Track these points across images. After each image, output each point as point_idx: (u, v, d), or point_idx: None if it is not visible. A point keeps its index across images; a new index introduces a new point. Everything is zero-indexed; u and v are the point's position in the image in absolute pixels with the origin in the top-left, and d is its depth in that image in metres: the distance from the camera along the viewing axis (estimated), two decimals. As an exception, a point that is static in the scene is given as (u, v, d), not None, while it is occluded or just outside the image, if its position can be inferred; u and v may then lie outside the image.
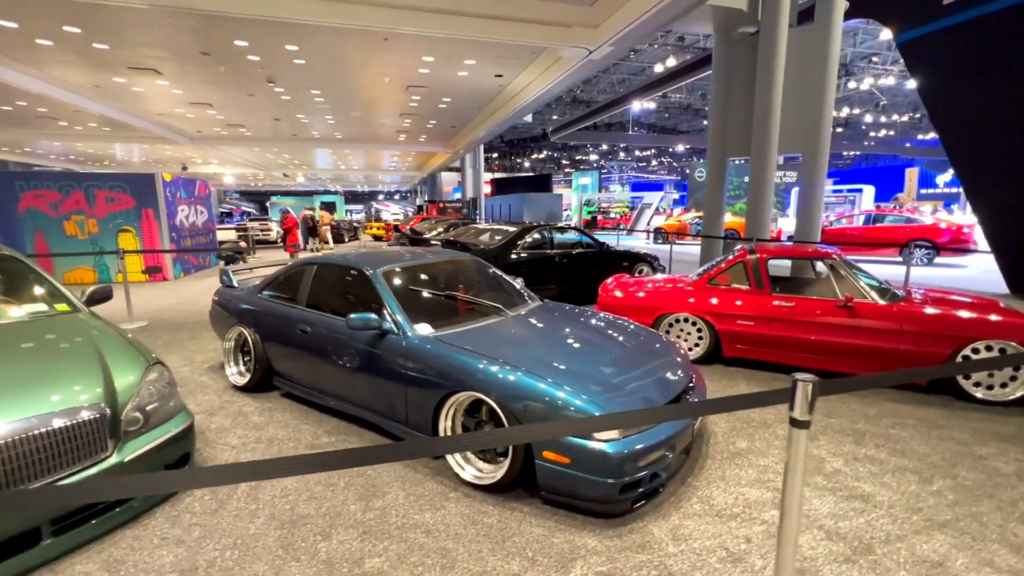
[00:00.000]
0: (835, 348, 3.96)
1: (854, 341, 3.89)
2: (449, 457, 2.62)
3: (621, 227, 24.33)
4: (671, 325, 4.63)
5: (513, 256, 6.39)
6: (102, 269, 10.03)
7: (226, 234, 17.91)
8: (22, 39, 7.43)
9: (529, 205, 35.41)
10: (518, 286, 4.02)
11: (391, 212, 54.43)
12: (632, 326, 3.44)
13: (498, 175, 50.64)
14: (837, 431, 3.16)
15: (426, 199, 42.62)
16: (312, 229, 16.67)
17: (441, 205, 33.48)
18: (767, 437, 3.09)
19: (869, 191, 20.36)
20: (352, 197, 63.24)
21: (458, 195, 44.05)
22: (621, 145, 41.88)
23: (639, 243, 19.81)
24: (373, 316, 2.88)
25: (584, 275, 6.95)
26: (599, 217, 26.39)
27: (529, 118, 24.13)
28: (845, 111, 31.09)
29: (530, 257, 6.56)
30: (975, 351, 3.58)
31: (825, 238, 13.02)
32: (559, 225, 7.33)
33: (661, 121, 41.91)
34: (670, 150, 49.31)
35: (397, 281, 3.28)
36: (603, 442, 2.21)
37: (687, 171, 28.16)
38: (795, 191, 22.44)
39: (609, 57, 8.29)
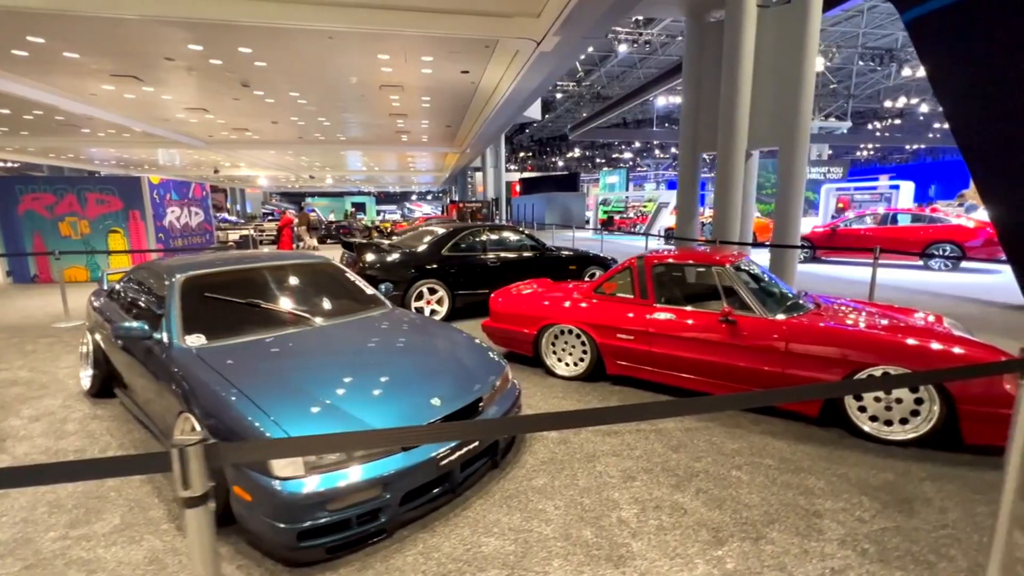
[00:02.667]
0: (716, 369, 3.44)
1: (736, 362, 3.36)
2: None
3: (639, 227, 23.44)
4: (556, 337, 4.22)
5: (436, 261, 6.11)
6: (93, 268, 10.56)
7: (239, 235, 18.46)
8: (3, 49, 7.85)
9: (550, 205, 34.99)
10: (370, 292, 3.77)
11: (422, 212, 55.24)
12: (452, 338, 3.11)
13: (527, 175, 50.39)
14: (666, 469, 2.70)
15: (456, 200, 42.98)
16: (316, 228, 17.03)
17: (461, 206, 33.61)
18: (575, 473, 2.67)
19: (907, 188, 18.49)
20: (386, 198, 64.77)
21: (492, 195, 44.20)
22: (655, 142, 40.56)
23: (653, 244, 18.94)
24: (136, 324, 2.71)
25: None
26: (616, 217, 25.55)
27: (538, 115, 23.63)
28: (902, 100, 28.69)
29: (459, 261, 6.25)
30: (871, 379, 2.99)
31: (836, 240, 11.91)
32: (498, 225, 6.97)
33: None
34: (707, 147, 47.32)
35: (201, 288, 3.09)
36: (279, 479, 1.91)
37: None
38: (824, 188, 20.78)
39: (569, 48, 7.83)
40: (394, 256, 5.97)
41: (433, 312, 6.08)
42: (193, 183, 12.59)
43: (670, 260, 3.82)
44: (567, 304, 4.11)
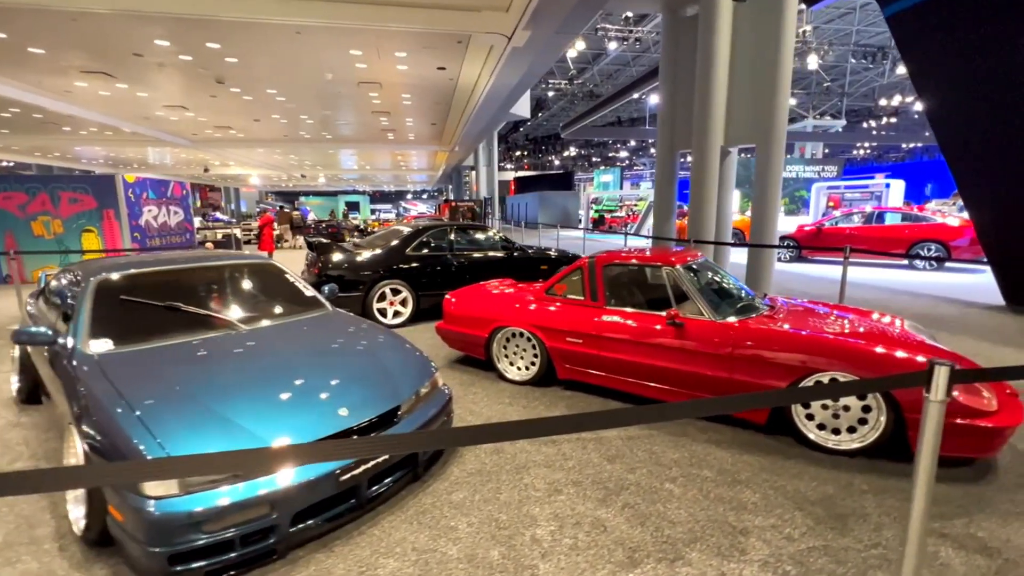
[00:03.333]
0: (664, 375, 3.30)
1: (683, 367, 3.22)
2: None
3: (630, 226, 23.31)
4: (508, 340, 4.08)
5: (399, 261, 5.96)
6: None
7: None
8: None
9: (544, 204, 34.83)
10: (310, 294, 3.63)
11: (416, 211, 54.96)
12: (381, 342, 2.97)
13: (522, 173, 50.24)
14: (596, 482, 2.56)
15: (449, 199, 42.82)
16: (300, 228, 16.87)
17: (453, 204, 33.45)
18: (500, 486, 2.53)
19: (898, 187, 18.37)
20: (381, 197, 64.55)
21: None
22: (651, 141, 40.43)
23: (637, 244, 18.83)
24: (39, 329, 2.57)
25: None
26: (607, 216, 25.38)
27: (527, 112, 23.45)
28: (897, 99, 28.57)
29: (423, 261, 6.11)
30: (804, 388, 2.85)
31: (822, 239, 11.77)
32: (467, 225, 6.82)
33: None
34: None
35: (119, 289, 2.94)
36: (150, 499, 1.77)
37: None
38: (815, 187, 20.65)
39: (543, 44, 7.69)
40: (355, 256, 5.83)
41: (397, 314, 5.94)
42: (172, 181, 12.43)
43: (621, 260, 3.68)
44: (518, 306, 3.97)
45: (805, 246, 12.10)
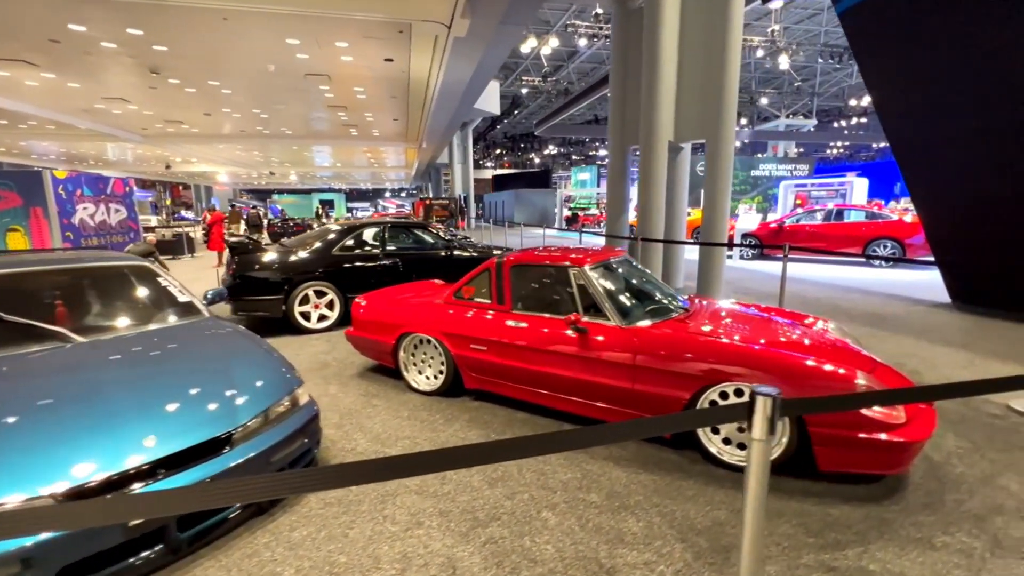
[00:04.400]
0: (568, 385, 3.03)
1: (586, 377, 2.96)
2: None
3: (602, 224, 23.22)
4: (416, 347, 3.77)
5: (325, 262, 5.60)
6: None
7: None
8: None
9: (519, 202, 34.55)
10: (184, 299, 3.27)
11: (396, 208, 54.09)
12: (236, 353, 2.64)
13: (501, 171, 49.89)
14: (467, 511, 2.27)
15: (423, 197, 42.28)
16: (258, 226, 16.28)
17: (427, 203, 32.96)
18: (355, 520, 2.22)
19: (861, 185, 18.56)
20: (358, 195, 63.54)
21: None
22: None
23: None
24: None
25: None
26: (580, 214, 25.25)
27: (496, 109, 23.12)
28: (867, 99, 29.04)
29: (352, 261, 5.75)
30: (724, 396, 2.61)
31: (783, 236, 11.73)
32: (403, 223, 6.48)
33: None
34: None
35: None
36: None
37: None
38: (783, 184, 20.77)
39: (488, 34, 7.38)
40: (274, 257, 5.44)
41: (323, 317, 5.58)
42: (113, 178, 11.78)
43: (528, 261, 3.40)
44: (425, 310, 3.66)
45: (767, 243, 12.08)
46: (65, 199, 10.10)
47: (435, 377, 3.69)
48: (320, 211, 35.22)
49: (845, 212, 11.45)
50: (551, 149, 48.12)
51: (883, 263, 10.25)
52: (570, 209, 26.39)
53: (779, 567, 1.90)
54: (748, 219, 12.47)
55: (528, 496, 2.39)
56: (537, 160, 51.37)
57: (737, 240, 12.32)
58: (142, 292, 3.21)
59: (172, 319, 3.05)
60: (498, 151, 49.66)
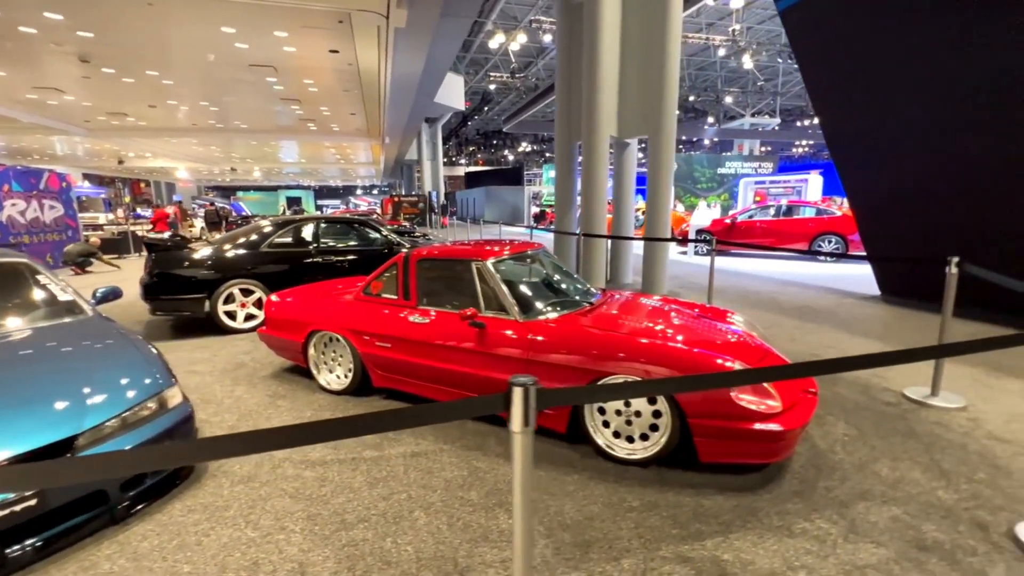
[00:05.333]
0: (471, 381, 2.98)
1: (484, 372, 2.91)
2: None
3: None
4: (326, 345, 3.67)
5: (252, 259, 5.41)
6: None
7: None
8: None
9: (490, 199, 34.40)
10: (66, 298, 3.10)
11: (368, 205, 53.27)
12: (104, 352, 2.51)
13: (473, 168, 49.64)
14: (337, 513, 2.19)
15: (392, 194, 41.69)
16: (216, 224, 15.76)
17: (396, 200, 32.52)
18: (215, 528, 2.12)
19: (816, 181, 19.15)
20: (328, 192, 62.29)
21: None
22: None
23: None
24: None
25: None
26: (548, 211, 25.31)
27: (460, 104, 22.90)
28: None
29: (282, 259, 5.57)
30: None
31: (735, 232, 11.98)
32: (340, 219, 6.32)
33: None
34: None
35: None
36: None
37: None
38: (742, 182, 21.26)
39: (430, 25, 7.26)
40: (197, 255, 5.22)
41: (250, 316, 5.39)
42: (47, 172, 11.19)
43: (433, 255, 3.33)
44: (334, 307, 3.56)
45: (720, 239, 12.32)
46: (-10, 195, 9.55)
47: (345, 376, 3.59)
48: (284, 209, 34.32)
49: (794, 208, 11.76)
50: (524, 146, 48.14)
51: (828, 259, 10.56)
52: (538, 206, 26.41)
53: (635, 560, 1.89)
54: (702, 215, 12.68)
55: (406, 496, 2.33)
56: (511, 157, 51.32)
57: (692, 236, 12.54)
58: (18, 290, 3.02)
59: (49, 318, 2.88)
60: (471, 148, 49.41)
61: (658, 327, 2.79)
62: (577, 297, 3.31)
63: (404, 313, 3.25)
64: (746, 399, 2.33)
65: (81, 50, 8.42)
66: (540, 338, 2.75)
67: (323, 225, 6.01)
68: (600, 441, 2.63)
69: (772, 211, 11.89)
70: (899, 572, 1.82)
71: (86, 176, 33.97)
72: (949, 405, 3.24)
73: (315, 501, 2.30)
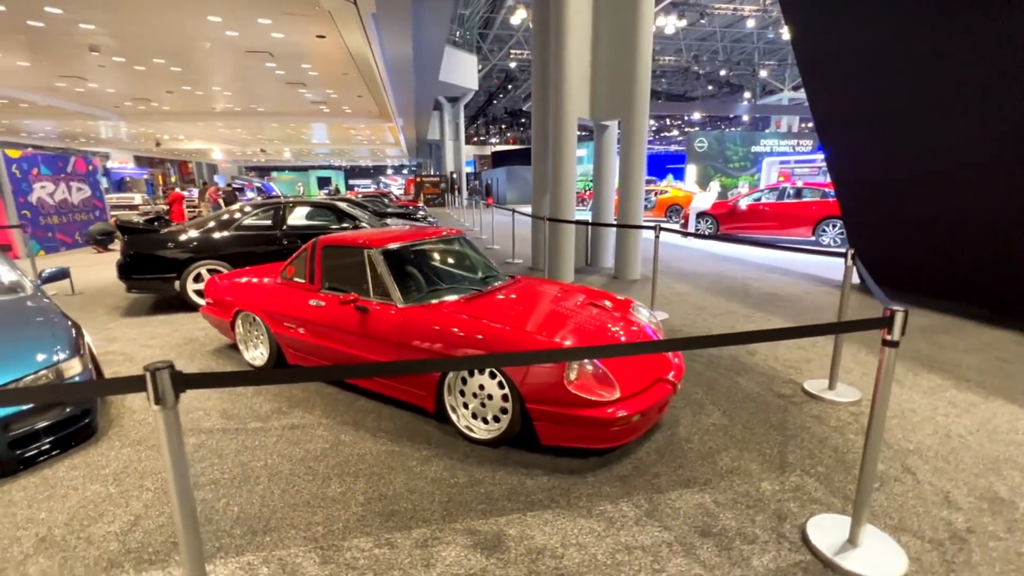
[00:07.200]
0: (356, 363, 3.17)
1: (365, 355, 3.10)
2: None
3: (587, 202, 23.04)
4: (250, 325, 3.94)
5: (219, 241, 5.74)
6: (-50, 247, 10.11)
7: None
8: None
9: (512, 179, 34.27)
10: (11, 279, 3.47)
11: (398, 185, 54.05)
12: (15, 324, 2.82)
13: (501, 147, 49.35)
14: (205, 473, 2.45)
15: (418, 174, 42.09)
16: (230, 204, 16.49)
17: (418, 180, 32.89)
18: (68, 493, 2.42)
19: (844, 161, 18.02)
20: (360, 172, 63.50)
21: (468, 168, 43.26)
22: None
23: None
24: None
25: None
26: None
27: (473, 84, 22.68)
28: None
29: (249, 241, 5.88)
30: (473, 374, 2.73)
31: (737, 216, 11.57)
32: (308, 201, 6.57)
33: (659, 87, 39.34)
34: (685, 118, 46.50)
35: None
36: None
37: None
38: (766, 161, 20.30)
39: (406, 9, 7.29)
40: (167, 236, 5.60)
41: (218, 295, 5.75)
42: (74, 156, 12.02)
43: (335, 242, 3.50)
44: (255, 289, 3.81)
45: (723, 223, 11.94)
46: (20, 178, 10.37)
47: (264, 354, 3.86)
48: (301, 190, 35.29)
49: (804, 191, 11.22)
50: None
51: (834, 241, 10.10)
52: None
53: (426, 530, 2.05)
54: (703, 198, 12.30)
55: (263, 464, 2.56)
56: (542, 135, 50.56)
57: (692, 220, 12.21)
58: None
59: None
60: (501, 126, 49.02)
61: (524, 315, 2.88)
62: (470, 285, 3.42)
63: (306, 296, 3.46)
64: (578, 386, 2.41)
65: (89, 41, 8.94)
66: (410, 323, 2.89)
67: (290, 208, 6.29)
68: (461, 425, 2.77)
69: (777, 194, 11.41)
70: (666, 553, 1.90)
71: (137, 158, 36.05)
72: (841, 399, 3.19)
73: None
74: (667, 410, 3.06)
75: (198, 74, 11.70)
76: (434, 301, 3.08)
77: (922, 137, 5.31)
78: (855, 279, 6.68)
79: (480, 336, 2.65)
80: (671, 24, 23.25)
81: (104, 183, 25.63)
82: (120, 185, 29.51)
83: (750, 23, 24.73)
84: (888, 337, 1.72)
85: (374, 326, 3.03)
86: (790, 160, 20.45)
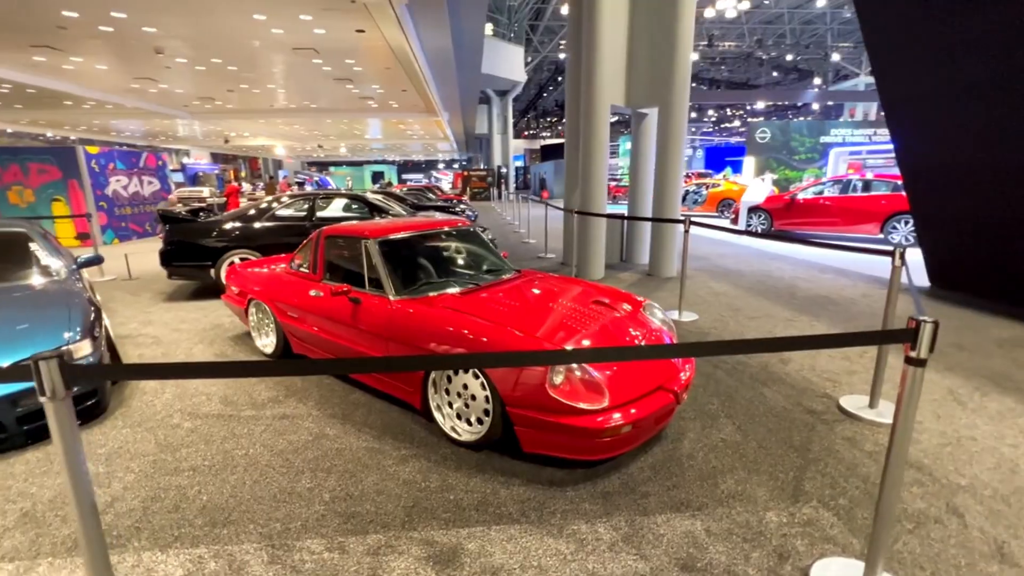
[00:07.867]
0: (350, 355, 3.12)
1: (357, 347, 3.04)
2: None
3: (617, 198, 22.47)
4: (262, 313, 4.00)
5: (250, 232, 5.94)
6: (41, 234, 11.22)
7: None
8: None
9: (558, 172, 33.78)
10: (53, 264, 3.71)
11: (448, 180, 55.00)
12: (31, 307, 2.99)
13: (550, 141, 48.90)
14: (159, 466, 2.48)
15: (468, 167, 42.52)
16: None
17: (465, 174, 33.15)
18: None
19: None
20: (412, 167, 65.08)
21: (518, 162, 43.33)
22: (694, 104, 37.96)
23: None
24: None
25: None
26: (611, 185, 24.38)
27: (521, 76, 22.40)
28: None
29: (279, 232, 6.05)
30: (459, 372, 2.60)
31: (795, 211, 10.66)
32: (335, 193, 6.67)
33: (719, 75, 37.36)
34: (748, 107, 43.98)
35: None
36: None
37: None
38: (834, 151, 18.63)
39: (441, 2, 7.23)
40: (204, 226, 5.86)
41: (250, 283, 5.97)
42: (146, 152, 13.00)
43: (337, 232, 3.47)
44: (265, 278, 3.86)
45: (777, 218, 11.05)
46: (98, 172, 11.34)
47: (274, 342, 3.91)
48: (349, 184, 36.56)
49: (872, 184, 10.18)
50: (611, 116, 46.13)
51: (906, 239, 9.08)
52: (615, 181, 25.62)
53: (382, 536, 1.93)
54: (756, 191, 11.46)
55: (244, 453, 2.55)
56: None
57: (743, 217, 11.38)
58: (17, 257, 3.66)
59: (22, 279, 3.48)
60: (552, 120, 48.52)
61: (515, 311, 2.70)
62: (475, 278, 3.28)
63: (308, 286, 3.45)
64: (561, 391, 2.21)
65: (154, 43, 9.58)
66: (400, 317, 2.79)
67: (320, 200, 6.42)
68: (446, 427, 2.64)
69: (841, 186, 10.42)
70: (636, 589, 1.68)
71: (212, 155, 38.87)
72: (882, 420, 2.77)
73: (169, 449, 2.60)
74: (672, 421, 2.79)
75: (254, 72, 12.29)
76: (430, 294, 2.96)
77: (1012, 119, 4.57)
78: (922, 282, 5.94)
79: (466, 332, 2.51)
80: (731, 7, 21.86)
81: (180, 178, 27.75)
82: (195, 179, 31.99)
83: (821, 2, 22.82)
84: (911, 354, 1.40)
85: (366, 318, 2.96)
86: (861, 151, 18.70)
